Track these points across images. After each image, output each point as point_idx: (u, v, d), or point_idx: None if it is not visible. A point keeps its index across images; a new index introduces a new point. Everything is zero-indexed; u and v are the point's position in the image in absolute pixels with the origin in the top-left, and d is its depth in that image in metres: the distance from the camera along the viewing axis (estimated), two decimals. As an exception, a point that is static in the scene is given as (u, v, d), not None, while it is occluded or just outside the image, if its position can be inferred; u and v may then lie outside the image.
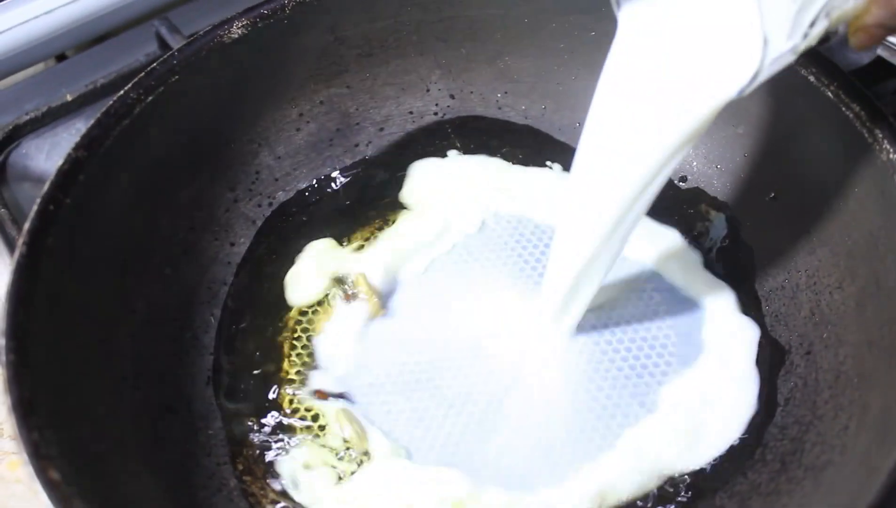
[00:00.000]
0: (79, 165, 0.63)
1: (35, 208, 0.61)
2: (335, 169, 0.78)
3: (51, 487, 0.51)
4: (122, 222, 0.66)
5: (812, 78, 0.65)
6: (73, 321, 0.60)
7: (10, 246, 0.77)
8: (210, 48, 0.70)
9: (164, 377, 0.66)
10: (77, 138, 0.64)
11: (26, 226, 0.60)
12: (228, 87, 0.72)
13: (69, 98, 0.87)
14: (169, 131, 0.69)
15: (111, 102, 0.67)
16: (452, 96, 0.80)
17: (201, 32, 0.70)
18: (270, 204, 0.77)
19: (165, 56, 0.69)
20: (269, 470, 0.64)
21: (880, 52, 0.83)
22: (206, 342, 0.70)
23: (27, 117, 0.86)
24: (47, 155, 0.85)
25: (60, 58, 0.96)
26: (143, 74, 0.68)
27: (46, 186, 0.62)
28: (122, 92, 0.67)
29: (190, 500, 0.61)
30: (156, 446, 0.62)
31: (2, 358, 0.55)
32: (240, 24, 0.71)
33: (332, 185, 0.78)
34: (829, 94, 0.64)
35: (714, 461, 0.63)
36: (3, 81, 0.92)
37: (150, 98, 0.67)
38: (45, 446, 0.53)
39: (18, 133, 0.85)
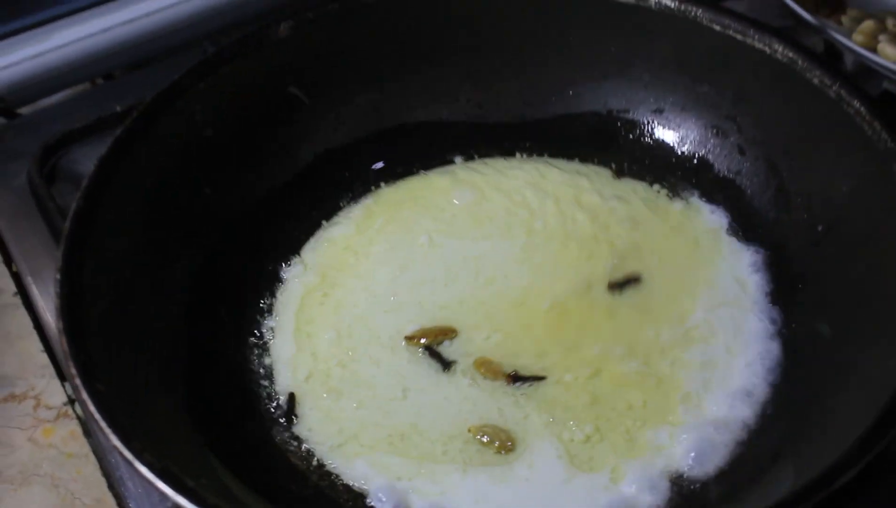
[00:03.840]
0: (132, 135, 0.73)
1: (92, 170, 0.70)
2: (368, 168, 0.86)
3: (96, 396, 0.57)
4: (170, 190, 0.75)
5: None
6: (123, 267, 0.69)
7: (59, 240, 0.84)
8: (259, 43, 0.79)
9: (209, 327, 0.73)
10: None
11: (85, 182, 0.68)
12: (273, 81, 0.81)
13: (119, 109, 0.95)
14: (216, 116, 0.78)
15: (163, 88, 0.76)
16: (480, 106, 0.88)
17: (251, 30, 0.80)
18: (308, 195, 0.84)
19: (218, 49, 0.78)
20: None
21: (886, 85, 0.91)
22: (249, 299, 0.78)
23: (79, 126, 0.94)
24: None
25: (109, 78, 1.06)
26: (196, 63, 0.77)
27: (105, 151, 0.71)
28: (175, 78, 0.76)
29: (214, 438, 0.67)
30: (192, 386, 0.68)
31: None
32: (287, 25, 0.80)
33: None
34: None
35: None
36: (55, 94, 1.01)
37: (202, 84, 0.76)
38: (93, 365, 0.59)
39: (70, 140, 0.93)
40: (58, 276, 0.63)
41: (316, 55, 0.83)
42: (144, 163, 0.72)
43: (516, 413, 0.71)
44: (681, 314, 0.76)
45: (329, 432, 0.71)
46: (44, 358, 0.81)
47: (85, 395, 0.57)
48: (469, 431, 0.70)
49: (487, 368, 0.73)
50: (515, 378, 0.73)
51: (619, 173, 0.85)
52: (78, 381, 0.58)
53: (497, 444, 0.69)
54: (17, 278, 0.87)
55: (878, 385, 0.58)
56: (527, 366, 0.73)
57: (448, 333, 0.76)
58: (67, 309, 0.62)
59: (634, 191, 0.84)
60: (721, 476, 0.66)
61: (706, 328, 0.74)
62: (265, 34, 0.80)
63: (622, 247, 0.80)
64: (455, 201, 0.85)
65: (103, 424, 0.56)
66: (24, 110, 1.01)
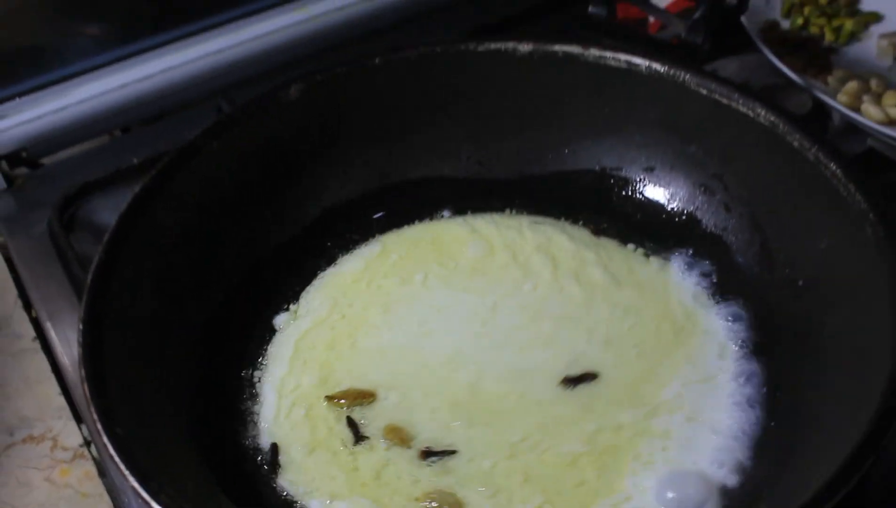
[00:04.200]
0: (150, 193, 0.78)
1: (112, 226, 0.75)
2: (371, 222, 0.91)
3: (115, 439, 0.62)
4: (184, 244, 0.80)
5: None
6: (140, 318, 0.73)
7: (77, 287, 0.90)
8: (270, 104, 0.85)
9: (218, 373, 0.78)
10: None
11: (105, 237, 0.73)
12: (284, 140, 0.86)
13: (136, 161, 1.00)
14: (228, 174, 0.83)
15: (179, 148, 0.81)
16: (480, 163, 0.93)
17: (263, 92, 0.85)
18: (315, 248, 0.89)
19: (231, 110, 0.83)
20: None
21: (871, 142, 0.96)
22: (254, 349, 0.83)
23: (97, 176, 0.99)
24: (112, 212, 0.98)
25: (126, 131, 1.11)
26: (210, 124, 0.82)
27: (124, 208, 0.76)
28: (190, 138, 0.81)
29: (222, 479, 0.71)
30: (201, 429, 0.73)
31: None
32: (297, 87, 0.85)
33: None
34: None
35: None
36: (75, 146, 1.07)
37: (215, 143, 0.81)
38: (111, 410, 0.64)
39: (88, 190, 0.99)
40: (80, 326, 0.68)
41: (325, 115, 0.88)
42: (160, 220, 0.77)
43: (451, 482, 0.71)
44: (643, 401, 0.75)
45: (305, 480, 0.73)
46: (61, 401, 0.85)
47: (105, 439, 0.62)
48: (417, 499, 0.70)
49: (396, 435, 0.73)
50: (428, 454, 0.72)
51: (611, 230, 0.89)
52: (98, 425, 0.62)
53: None
54: (37, 324, 0.91)
55: (847, 435, 0.62)
56: (435, 439, 0.73)
57: (366, 397, 0.76)
58: (89, 357, 0.67)
59: (629, 269, 0.86)
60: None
61: (676, 402, 0.75)
62: (276, 96, 0.85)
63: (598, 338, 0.80)
64: (468, 251, 0.87)
65: (122, 466, 0.60)
66: (46, 161, 1.06)
